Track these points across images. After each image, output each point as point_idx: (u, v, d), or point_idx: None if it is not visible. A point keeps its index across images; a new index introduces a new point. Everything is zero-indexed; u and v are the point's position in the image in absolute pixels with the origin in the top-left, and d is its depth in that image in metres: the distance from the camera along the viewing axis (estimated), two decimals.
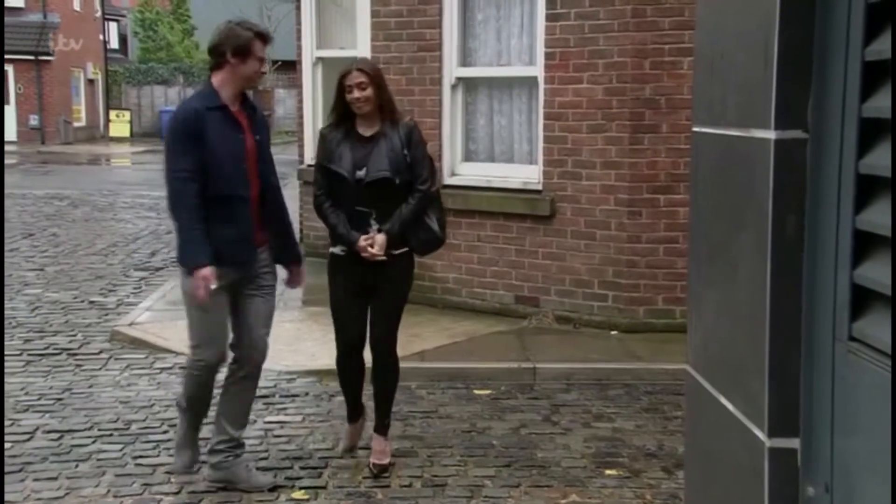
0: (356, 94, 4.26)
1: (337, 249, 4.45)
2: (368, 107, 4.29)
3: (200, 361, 4.25)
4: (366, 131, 4.37)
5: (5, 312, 7.01)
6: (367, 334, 4.51)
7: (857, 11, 1.32)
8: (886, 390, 1.21)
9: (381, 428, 4.59)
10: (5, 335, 6.67)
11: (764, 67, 1.47)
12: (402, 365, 4.66)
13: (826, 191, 1.39)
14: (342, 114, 4.38)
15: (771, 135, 1.44)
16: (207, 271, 4.00)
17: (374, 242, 4.29)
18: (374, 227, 4.32)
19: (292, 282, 4.60)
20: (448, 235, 4.72)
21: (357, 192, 4.30)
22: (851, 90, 1.33)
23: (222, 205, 4.08)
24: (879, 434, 1.24)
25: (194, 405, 4.37)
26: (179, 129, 4.08)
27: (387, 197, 4.32)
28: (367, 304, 4.47)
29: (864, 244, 1.30)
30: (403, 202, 4.35)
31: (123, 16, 42.15)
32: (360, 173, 4.30)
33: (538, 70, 7.00)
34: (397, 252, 4.38)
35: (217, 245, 4.06)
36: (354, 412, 4.73)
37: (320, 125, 9.81)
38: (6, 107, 29.37)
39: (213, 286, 4.00)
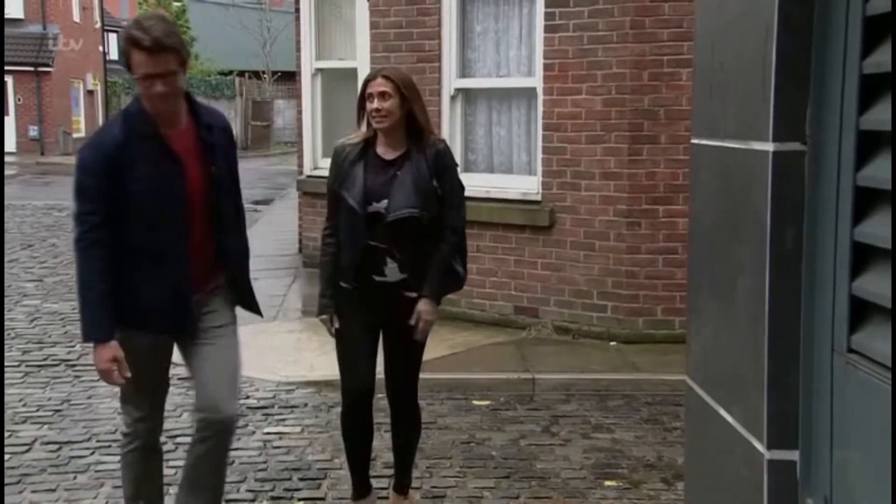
0: (376, 103, 3.56)
1: (341, 283, 3.76)
2: (388, 122, 3.58)
3: (129, 442, 3.57)
4: (387, 153, 3.67)
5: (4, 323, 7.00)
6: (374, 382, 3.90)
7: (854, 24, 1.32)
8: (886, 402, 1.21)
9: (402, 487, 4.05)
10: (4, 346, 6.66)
11: (762, 80, 1.47)
12: None
13: (824, 203, 1.39)
14: (366, 130, 3.69)
15: (769, 147, 1.45)
16: (109, 351, 3.16)
17: (419, 317, 3.68)
18: (391, 265, 3.65)
19: None
20: None
21: (369, 227, 3.62)
22: (849, 103, 1.33)
23: (147, 259, 3.23)
24: (879, 446, 1.24)
25: (141, 493, 3.62)
26: (91, 162, 3.18)
27: (410, 234, 3.63)
28: (376, 347, 3.85)
29: (863, 256, 1.30)
30: (429, 240, 3.67)
31: (123, 27, 42.22)
32: (378, 206, 3.60)
33: (537, 81, 7.01)
34: (416, 294, 3.72)
35: (138, 308, 3.25)
36: (362, 487, 4.01)
37: (320, 136, 9.85)
38: (6, 118, 29.38)
39: (127, 372, 3.19)
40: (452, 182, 3.73)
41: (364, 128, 3.71)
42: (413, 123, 3.64)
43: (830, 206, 1.37)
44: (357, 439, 3.92)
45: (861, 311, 1.30)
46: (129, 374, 3.20)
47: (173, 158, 3.18)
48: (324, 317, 3.80)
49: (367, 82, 3.65)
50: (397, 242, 3.63)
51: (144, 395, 3.46)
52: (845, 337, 1.32)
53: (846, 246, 1.33)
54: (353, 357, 3.82)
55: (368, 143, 3.69)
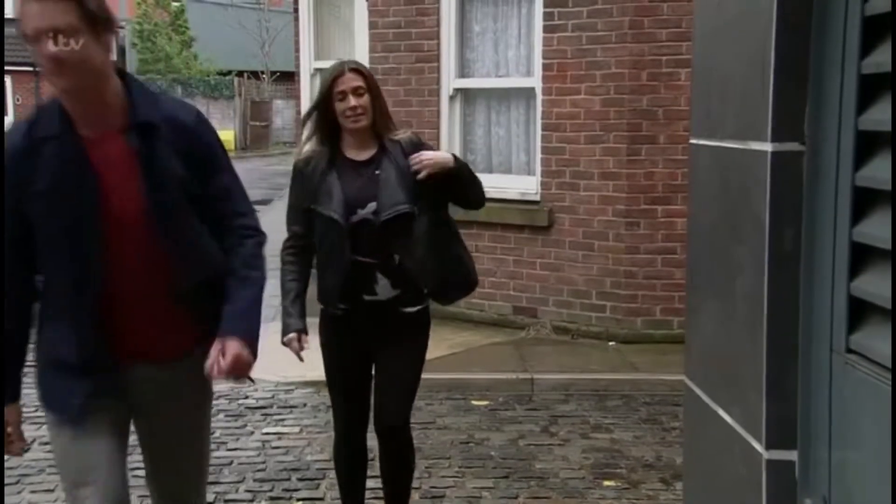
0: (352, 101, 3.23)
1: (327, 308, 3.45)
2: (366, 119, 3.28)
3: None
4: (359, 153, 3.36)
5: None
6: (370, 412, 3.59)
7: (853, 24, 1.32)
8: (884, 402, 1.21)
9: None
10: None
11: (761, 80, 1.47)
12: None
13: (823, 203, 1.39)
14: (327, 135, 3.35)
15: (768, 147, 1.45)
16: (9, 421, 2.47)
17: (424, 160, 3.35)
18: (382, 282, 3.32)
19: (214, 366, 2.39)
20: None
21: (353, 240, 3.27)
22: (848, 103, 1.33)
23: (51, 303, 2.47)
24: (877, 446, 1.24)
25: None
26: None
27: (405, 236, 3.31)
28: (370, 375, 3.52)
29: (861, 256, 1.30)
30: (424, 242, 3.35)
31: (122, 27, 42.15)
32: (364, 212, 3.28)
33: (536, 81, 7.01)
34: (412, 310, 3.39)
35: (43, 375, 2.54)
36: None
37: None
38: (5, 118, 29.37)
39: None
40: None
41: (309, 134, 3.40)
42: (379, 118, 3.34)
43: (829, 207, 1.37)
44: (351, 472, 3.63)
45: (860, 312, 1.30)
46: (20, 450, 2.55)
47: (85, 168, 2.32)
48: (290, 335, 3.37)
49: (333, 79, 3.26)
50: (390, 250, 3.29)
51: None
52: (844, 337, 1.32)
53: (845, 246, 1.33)
54: (344, 383, 3.52)
55: (333, 148, 3.36)
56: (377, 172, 3.32)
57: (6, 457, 2.57)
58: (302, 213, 3.39)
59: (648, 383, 5.94)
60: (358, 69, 3.33)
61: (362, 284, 3.33)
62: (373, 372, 3.52)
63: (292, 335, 3.38)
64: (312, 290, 3.51)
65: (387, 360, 3.44)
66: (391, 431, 3.49)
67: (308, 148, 3.42)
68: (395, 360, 3.44)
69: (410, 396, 3.52)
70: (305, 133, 3.47)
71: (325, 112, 3.31)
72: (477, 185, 3.51)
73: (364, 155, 3.36)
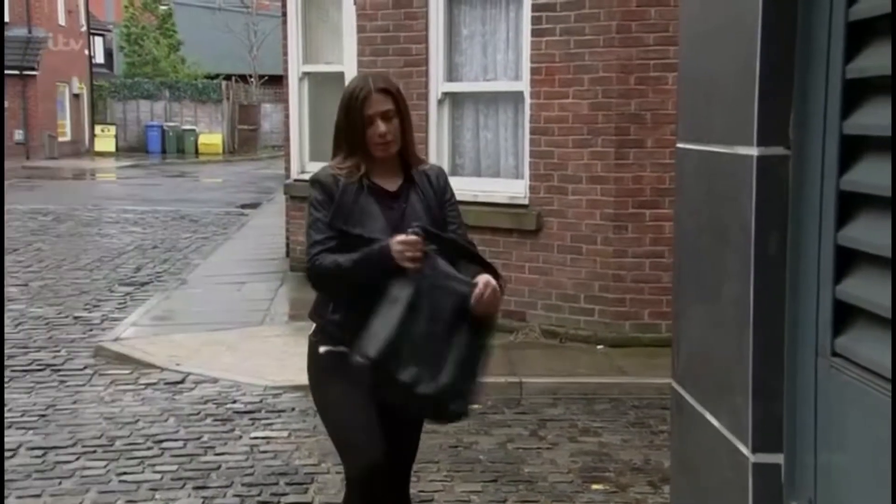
0: (381, 127, 2.86)
1: (336, 348, 2.94)
2: (396, 146, 2.92)
3: None
4: (386, 182, 2.98)
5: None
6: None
7: (837, 30, 1.33)
8: (869, 405, 1.22)
9: None
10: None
11: (746, 85, 1.48)
12: None
13: (808, 207, 1.40)
14: (358, 157, 2.92)
15: (753, 151, 1.46)
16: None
17: (484, 288, 2.82)
18: None
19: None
20: None
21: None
22: (832, 107, 1.34)
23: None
24: (862, 449, 1.25)
25: None
26: None
27: None
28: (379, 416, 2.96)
29: (846, 260, 1.31)
30: None
31: (109, 30, 42.11)
32: None
33: (524, 85, 7.03)
34: None
35: None
36: None
37: (307, 140, 9.83)
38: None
39: None
40: (457, 209, 3.10)
41: (345, 157, 2.95)
42: (407, 143, 2.98)
43: (814, 211, 1.38)
44: None
45: (845, 315, 1.31)
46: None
47: None
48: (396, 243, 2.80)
49: (362, 101, 2.86)
50: None
51: None
52: (829, 341, 1.33)
53: (830, 250, 1.34)
54: (357, 425, 2.94)
55: (360, 173, 2.94)
56: (405, 206, 2.95)
57: None
58: (331, 227, 2.91)
59: (637, 387, 5.95)
60: (386, 88, 2.91)
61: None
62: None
63: (398, 244, 2.79)
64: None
65: (401, 414, 2.96)
66: (398, 495, 3.16)
67: (338, 165, 2.95)
68: (413, 429, 3.11)
69: (414, 455, 3.23)
70: (335, 160, 3.01)
71: (351, 134, 2.92)
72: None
73: (392, 185, 2.98)
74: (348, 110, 2.90)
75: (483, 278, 2.83)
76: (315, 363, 3.05)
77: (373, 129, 2.87)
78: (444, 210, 3.02)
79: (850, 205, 1.31)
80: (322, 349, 3.00)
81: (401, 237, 2.78)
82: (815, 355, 1.37)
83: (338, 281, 2.91)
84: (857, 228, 1.29)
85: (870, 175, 1.26)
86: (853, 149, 1.31)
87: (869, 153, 1.28)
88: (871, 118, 1.27)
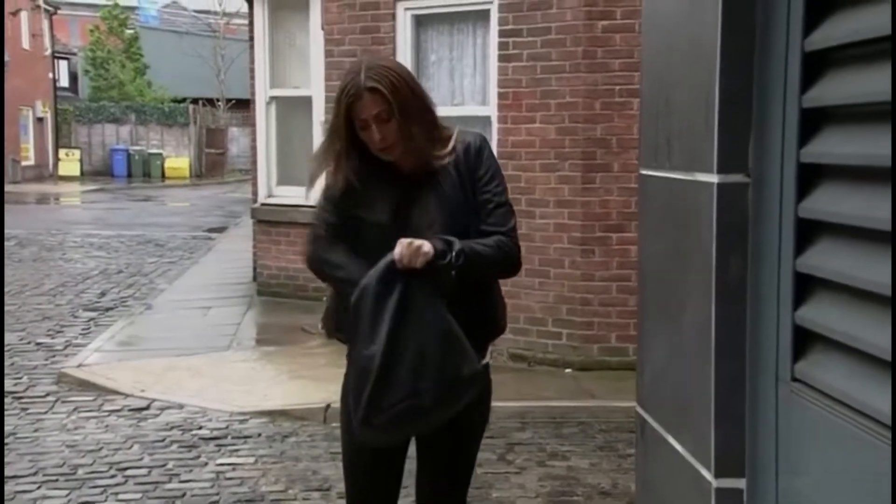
0: (375, 133, 2.51)
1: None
2: (398, 149, 2.55)
3: None
4: (403, 165, 2.64)
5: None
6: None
7: (794, 60, 1.36)
8: (828, 430, 1.23)
9: None
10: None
11: (706, 112, 1.50)
12: None
13: (768, 234, 1.42)
14: (356, 156, 2.59)
15: (714, 178, 1.48)
16: None
17: (409, 241, 2.45)
18: None
19: None
20: None
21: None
22: (790, 136, 1.37)
23: None
24: (823, 474, 1.26)
25: None
26: None
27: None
28: (404, 457, 2.82)
29: (805, 286, 1.33)
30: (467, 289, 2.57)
31: (74, 54, 41.83)
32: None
33: (491, 110, 7.07)
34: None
35: None
36: None
37: (274, 164, 9.80)
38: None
39: None
40: (490, 181, 2.65)
41: (322, 169, 2.65)
42: (416, 141, 2.57)
43: (773, 237, 1.40)
44: None
45: (804, 341, 1.33)
46: None
47: None
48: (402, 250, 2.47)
49: (349, 104, 2.50)
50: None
51: None
52: (789, 366, 1.34)
53: (789, 276, 1.35)
54: (369, 475, 2.75)
55: (375, 161, 2.62)
56: (417, 193, 2.62)
57: None
58: (339, 210, 2.63)
59: (604, 410, 5.96)
60: (376, 87, 2.49)
61: None
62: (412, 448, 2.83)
63: (400, 249, 2.45)
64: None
65: (438, 437, 2.67)
66: None
67: (346, 170, 2.59)
68: (450, 432, 2.65)
69: (468, 474, 2.84)
70: (315, 169, 2.67)
71: (348, 143, 2.56)
72: (488, 266, 2.63)
73: (407, 167, 2.64)
74: (338, 112, 2.54)
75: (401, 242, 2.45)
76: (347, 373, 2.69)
77: (367, 136, 2.54)
78: (475, 188, 2.61)
79: (808, 232, 1.33)
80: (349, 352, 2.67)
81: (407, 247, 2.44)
82: (775, 380, 1.38)
83: (324, 278, 2.75)
84: (816, 255, 1.31)
85: (827, 202, 1.29)
86: (811, 176, 1.34)
87: (826, 181, 1.31)
88: (828, 146, 1.29)
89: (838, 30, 1.26)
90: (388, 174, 2.62)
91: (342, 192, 2.61)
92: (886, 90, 1.14)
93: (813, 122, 1.33)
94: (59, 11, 37.13)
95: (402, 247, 2.43)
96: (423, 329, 2.45)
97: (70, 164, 33.88)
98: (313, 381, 6.44)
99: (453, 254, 2.47)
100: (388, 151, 2.57)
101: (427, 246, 2.44)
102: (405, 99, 2.53)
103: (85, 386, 6.57)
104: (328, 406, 5.84)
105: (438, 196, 2.60)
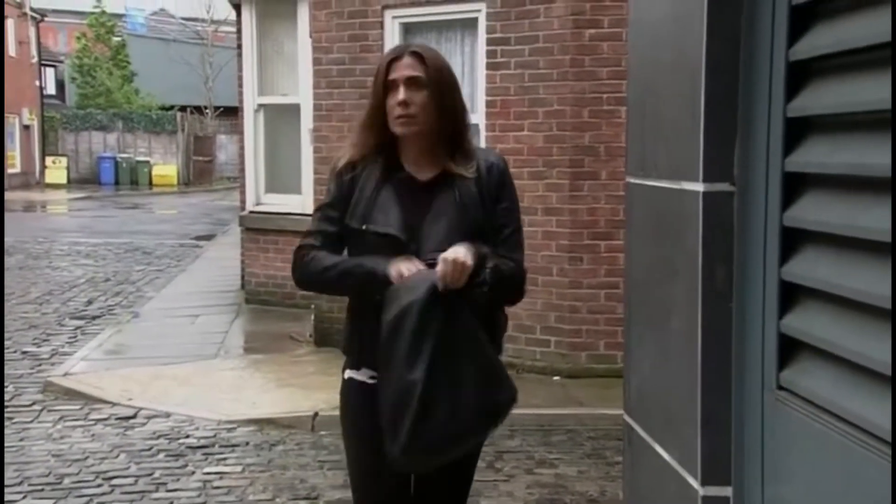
0: (401, 94, 2.41)
1: (360, 375, 2.60)
2: (417, 124, 2.45)
3: None
4: (419, 171, 2.52)
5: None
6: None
7: (778, 69, 1.37)
8: (814, 439, 1.24)
9: None
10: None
11: (692, 122, 1.51)
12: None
13: (753, 242, 1.42)
14: (380, 139, 2.50)
15: (699, 187, 1.48)
16: None
17: (454, 258, 2.32)
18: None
19: None
20: None
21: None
22: (775, 145, 1.37)
23: None
24: (807, 482, 1.26)
25: None
26: None
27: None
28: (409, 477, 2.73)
29: (790, 295, 1.33)
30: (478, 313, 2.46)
31: (61, 61, 41.69)
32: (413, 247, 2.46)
33: (480, 117, 7.08)
34: None
35: None
36: None
37: (262, 171, 9.80)
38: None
39: None
40: (514, 213, 2.61)
41: (367, 138, 2.53)
42: (443, 125, 2.48)
43: (759, 246, 1.40)
44: None
45: (789, 349, 1.33)
46: None
47: None
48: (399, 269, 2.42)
49: (390, 62, 2.46)
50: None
51: None
52: (774, 374, 1.35)
53: (774, 284, 1.36)
54: (374, 476, 2.64)
55: (389, 157, 2.52)
56: (433, 202, 2.49)
57: None
58: (334, 221, 2.54)
59: (592, 418, 5.97)
60: (419, 52, 2.47)
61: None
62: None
63: (399, 268, 2.39)
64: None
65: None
66: None
67: (362, 151, 2.53)
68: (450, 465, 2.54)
69: (467, 494, 2.77)
70: (352, 139, 2.59)
71: (376, 109, 2.48)
72: (506, 288, 2.55)
73: (426, 173, 2.52)
74: (375, 78, 2.48)
75: (446, 255, 2.33)
76: (342, 391, 2.68)
77: (393, 98, 2.43)
78: (494, 210, 2.52)
79: (792, 240, 1.33)
80: (347, 373, 2.64)
81: (405, 266, 2.37)
82: (761, 388, 1.39)
83: (322, 289, 2.71)
84: (801, 264, 1.31)
85: (812, 211, 1.29)
86: (796, 185, 1.34)
87: (811, 190, 1.31)
88: (812, 156, 1.30)
89: (822, 40, 1.27)
90: (405, 183, 2.51)
91: (350, 172, 2.51)
92: (870, 100, 1.15)
93: (798, 131, 1.34)
94: (45, 19, 37.01)
95: (445, 265, 2.30)
96: (464, 357, 2.39)
97: (57, 171, 33.74)
98: (301, 389, 6.43)
99: (488, 271, 2.37)
100: (406, 120, 2.43)
101: (469, 261, 2.32)
102: (442, 80, 2.48)
103: (71, 395, 6.53)
104: (316, 414, 5.83)
105: (458, 210, 2.48)
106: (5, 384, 6.88)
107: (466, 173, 2.49)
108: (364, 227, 2.48)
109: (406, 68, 2.44)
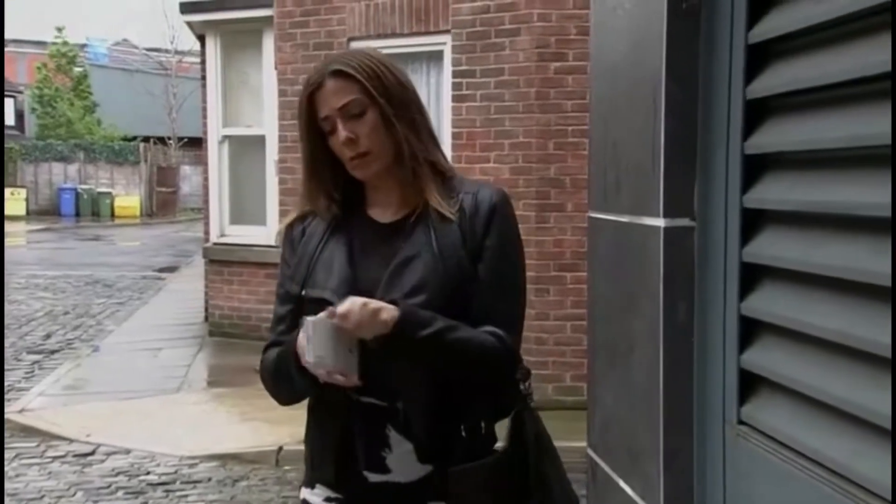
0: (342, 133, 1.83)
1: (316, 497, 1.96)
2: (376, 159, 1.88)
3: None
4: (383, 212, 1.96)
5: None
6: None
7: (736, 107, 1.39)
8: (774, 474, 1.24)
9: None
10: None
11: (652, 157, 1.52)
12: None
13: (713, 278, 1.43)
14: (334, 179, 1.93)
15: (660, 222, 1.49)
16: None
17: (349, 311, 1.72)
18: (401, 448, 1.86)
19: None
20: None
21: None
22: (733, 181, 1.39)
23: None
24: None
25: None
26: None
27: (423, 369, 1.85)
28: None
29: (750, 330, 1.34)
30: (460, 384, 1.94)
31: (21, 92, 41.30)
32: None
33: (446, 150, 7.08)
34: (459, 469, 1.90)
35: None
36: None
37: (227, 203, 9.74)
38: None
39: None
40: (499, 251, 1.94)
41: (309, 188, 1.97)
42: (407, 145, 1.87)
43: (719, 281, 1.41)
44: None
45: (750, 384, 1.34)
46: None
47: None
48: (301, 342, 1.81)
49: (309, 96, 1.86)
50: (393, 381, 1.85)
51: None
52: (735, 409, 1.35)
53: (734, 319, 1.37)
54: None
55: (347, 198, 1.95)
56: (401, 246, 1.89)
57: None
58: (289, 296, 1.97)
59: (559, 450, 5.95)
60: (341, 70, 1.83)
61: (365, 448, 1.88)
62: None
63: (301, 342, 1.77)
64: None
65: None
66: None
67: (303, 202, 1.99)
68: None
69: None
70: (300, 190, 2.02)
71: (312, 154, 1.91)
72: (460, 355, 1.87)
73: (389, 214, 1.95)
74: (298, 119, 1.90)
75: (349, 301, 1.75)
76: None
77: (334, 139, 1.85)
78: (478, 253, 1.89)
79: (752, 276, 1.35)
80: (303, 494, 2.03)
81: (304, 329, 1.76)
82: (722, 423, 1.39)
83: (290, 397, 2.00)
84: (760, 299, 1.33)
85: (770, 247, 1.31)
86: (754, 221, 1.36)
87: (769, 226, 1.33)
88: (770, 192, 1.31)
89: (779, 79, 1.29)
90: (362, 228, 1.95)
91: (300, 225, 1.98)
92: (827, 137, 1.17)
93: (756, 168, 1.35)
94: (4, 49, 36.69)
95: (351, 304, 1.73)
96: None
97: (15, 203, 33.28)
98: (266, 423, 6.35)
99: (421, 335, 1.77)
100: (360, 161, 1.86)
101: (387, 314, 1.75)
102: (385, 87, 1.85)
103: (27, 431, 6.40)
104: (280, 448, 5.76)
105: (433, 256, 1.86)
106: None
107: (445, 210, 1.89)
108: (303, 292, 1.92)
109: (333, 97, 1.83)
